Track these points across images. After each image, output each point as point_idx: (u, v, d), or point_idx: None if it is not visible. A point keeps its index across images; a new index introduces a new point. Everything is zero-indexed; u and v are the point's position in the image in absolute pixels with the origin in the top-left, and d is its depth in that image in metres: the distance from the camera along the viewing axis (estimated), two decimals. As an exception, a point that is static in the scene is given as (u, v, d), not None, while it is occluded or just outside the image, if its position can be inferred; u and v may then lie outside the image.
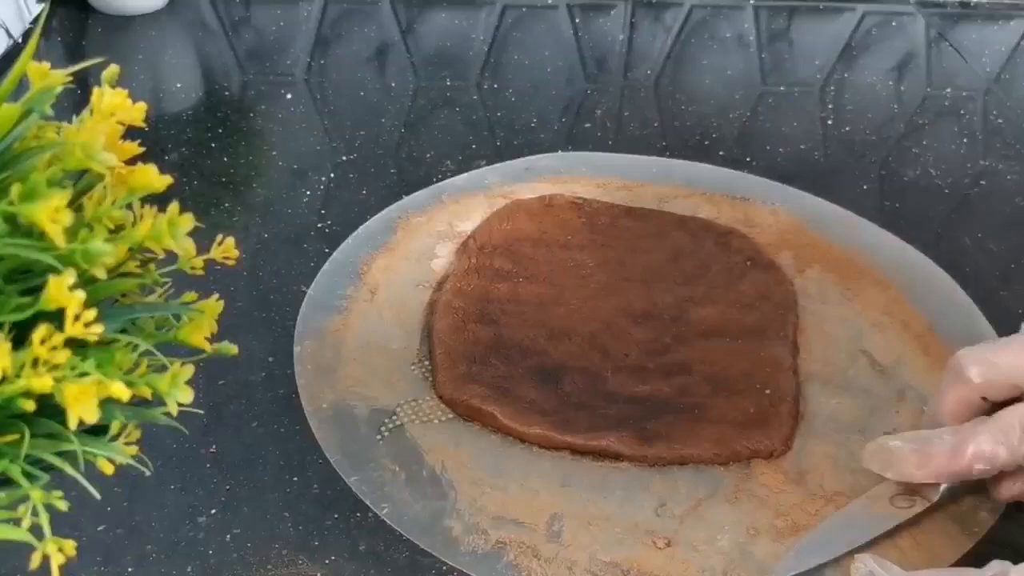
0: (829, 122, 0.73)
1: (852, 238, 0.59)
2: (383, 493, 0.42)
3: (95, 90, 0.27)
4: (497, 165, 0.64)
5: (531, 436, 0.45)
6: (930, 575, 0.37)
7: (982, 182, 0.66)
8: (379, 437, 0.45)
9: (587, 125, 0.71)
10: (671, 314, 0.52)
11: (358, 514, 0.42)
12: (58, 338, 0.23)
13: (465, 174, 0.63)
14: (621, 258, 0.56)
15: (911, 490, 0.42)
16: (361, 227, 0.58)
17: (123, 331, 0.28)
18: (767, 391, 0.47)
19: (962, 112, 0.75)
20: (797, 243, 0.58)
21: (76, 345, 0.24)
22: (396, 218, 0.59)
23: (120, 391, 0.24)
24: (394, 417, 0.46)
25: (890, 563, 0.37)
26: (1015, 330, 0.42)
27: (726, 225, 0.58)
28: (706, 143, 0.69)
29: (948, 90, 0.78)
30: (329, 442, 0.45)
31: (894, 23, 0.89)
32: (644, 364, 0.49)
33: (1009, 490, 0.41)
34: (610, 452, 0.44)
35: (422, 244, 0.57)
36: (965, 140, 0.71)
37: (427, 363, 0.49)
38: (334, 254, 0.56)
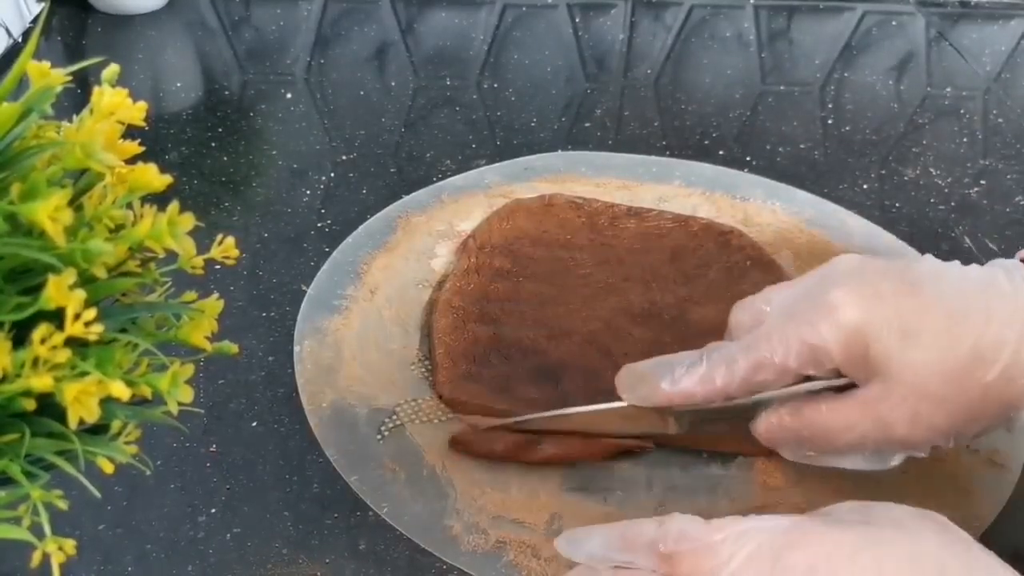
0: (829, 122, 0.73)
1: (852, 237, 0.59)
2: (383, 492, 0.42)
3: (95, 89, 0.27)
4: (497, 165, 0.64)
5: (531, 435, 0.45)
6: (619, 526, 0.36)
7: (982, 182, 0.66)
8: (379, 437, 0.45)
9: (587, 125, 0.71)
10: (671, 314, 0.52)
11: (358, 513, 0.42)
12: (58, 337, 0.23)
13: (465, 174, 0.63)
14: (621, 258, 0.56)
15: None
16: (361, 226, 0.58)
17: (123, 330, 0.28)
18: (767, 390, 0.47)
19: (962, 112, 0.75)
20: (797, 242, 0.58)
21: (76, 344, 0.24)
22: (396, 217, 0.59)
23: (120, 390, 0.24)
24: (394, 416, 0.46)
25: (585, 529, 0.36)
26: None
27: (726, 225, 0.58)
28: (706, 143, 0.69)
29: (948, 90, 0.78)
30: (329, 442, 0.45)
31: (894, 23, 0.89)
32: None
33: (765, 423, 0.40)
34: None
35: (422, 243, 0.57)
36: (965, 140, 0.71)
37: (427, 363, 0.49)
38: (334, 254, 0.56)
